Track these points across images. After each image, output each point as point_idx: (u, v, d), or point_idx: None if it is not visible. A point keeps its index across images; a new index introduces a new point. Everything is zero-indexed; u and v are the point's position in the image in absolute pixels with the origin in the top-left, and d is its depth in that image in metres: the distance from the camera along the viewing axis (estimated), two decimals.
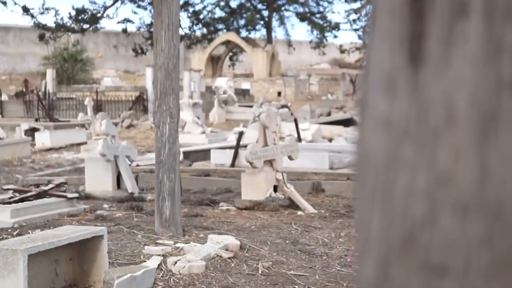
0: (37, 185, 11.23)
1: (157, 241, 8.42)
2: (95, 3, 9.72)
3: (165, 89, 8.56)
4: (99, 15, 9.57)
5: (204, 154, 16.72)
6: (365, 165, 0.82)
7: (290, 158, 11.70)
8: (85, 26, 9.72)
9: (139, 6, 13.61)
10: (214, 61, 48.28)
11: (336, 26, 46.89)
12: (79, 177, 13.72)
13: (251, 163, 10.80)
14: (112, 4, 9.26)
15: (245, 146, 12.91)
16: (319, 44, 47.95)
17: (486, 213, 0.72)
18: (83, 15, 9.70)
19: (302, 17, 49.91)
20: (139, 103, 31.64)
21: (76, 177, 14.03)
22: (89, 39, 49.53)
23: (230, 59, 50.19)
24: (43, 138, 21.13)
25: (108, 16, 9.54)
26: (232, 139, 18.40)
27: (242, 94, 37.42)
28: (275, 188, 11.07)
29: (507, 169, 0.72)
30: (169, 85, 8.56)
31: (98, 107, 29.75)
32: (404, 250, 0.76)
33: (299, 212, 10.55)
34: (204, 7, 46.73)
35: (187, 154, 16.19)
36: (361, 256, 0.83)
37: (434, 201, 0.74)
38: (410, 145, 0.76)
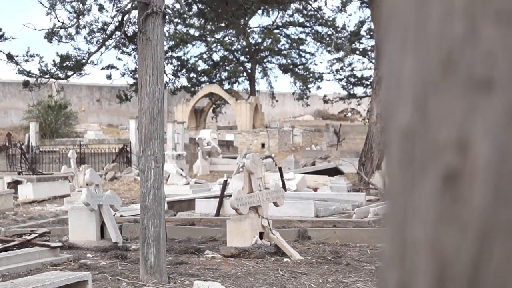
0: (20, 235, 11.09)
1: None
2: (79, 49, 9.73)
3: (150, 134, 8.52)
4: (83, 61, 9.55)
5: (188, 204, 16.63)
6: (393, 10, 0.81)
7: (275, 204, 11.62)
8: (69, 72, 9.69)
9: (123, 52, 13.64)
10: (198, 114, 48.39)
11: (319, 77, 47.20)
12: (62, 227, 13.59)
13: (236, 210, 10.72)
14: (97, 50, 9.23)
15: (229, 196, 12.83)
16: (302, 96, 48.20)
17: None
18: (67, 62, 9.68)
19: (284, 69, 50.24)
20: (123, 155, 31.56)
21: (59, 228, 13.89)
22: (72, 93, 49.58)
23: (213, 111, 50.33)
24: (26, 191, 20.96)
25: (92, 62, 9.55)
26: (216, 190, 18.32)
27: (226, 145, 37.45)
28: (261, 235, 10.97)
29: None
30: (154, 129, 8.53)
31: (81, 160, 29.64)
32: (444, 77, 0.74)
33: (286, 259, 10.45)
34: (187, 60, 46.98)
35: (171, 204, 16.09)
36: (392, 105, 0.80)
37: (474, 17, 0.73)
38: None
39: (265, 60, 51.57)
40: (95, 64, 10.17)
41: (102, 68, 12.88)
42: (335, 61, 41.89)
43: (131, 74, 27.29)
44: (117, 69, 16.03)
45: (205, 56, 49.30)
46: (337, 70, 42.15)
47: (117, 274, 9.15)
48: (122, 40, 10.15)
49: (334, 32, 39.77)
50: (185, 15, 33.70)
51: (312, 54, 49.32)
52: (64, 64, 9.85)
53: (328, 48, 42.05)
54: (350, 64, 41.47)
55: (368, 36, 38.45)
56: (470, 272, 0.72)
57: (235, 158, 27.82)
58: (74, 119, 42.34)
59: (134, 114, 30.70)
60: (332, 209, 14.68)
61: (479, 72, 0.72)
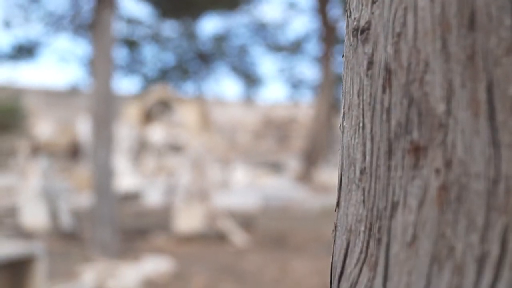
0: None
1: (93, 264, 8.56)
2: (33, 35, 9.78)
3: (102, 116, 8.80)
4: (37, 47, 9.64)
5: (137, 197, 16.87)
6: None
7: (223, 190, 11.98)
8: (21, 56, 9.76)
9: (76, 39, 13.65)
10: (147, 113, 48.47)
11: (267, 81, 47.68)
12: (13, 215, 13.71)
13: (185, 197, 11.05)
14: (50, 37, 9.34)
15: (178, 187, 13.12)
16: (249, 99, 48.62)
17: None
18: (20, 47, 9.78)
19: (233, 73, 50.59)
20: (74, 152, 31.63)
21: (10, 218, 14.00)
22: (26, 93, 49.19)
23: (163, 111, 50.33)
24: None
25: (45, 45, 9.63)
26: (165, 183, 18.58)
27: (175, 144, 37.64)
28: (209, 220, 11.32)
29: None
30: (106, 112, 8.81)
31: (33, 154, 29.61)
32: None
33: (232, 243, 10.81)
34: (138, 57, 47.02)
35: (121, 196, 16.29)
36: None
37: None
38: None
39: (215, 64, 51.83)
40: (48, 49, 10.41)
41: (55, 58, 13.05)
42: (282, 65, 42.41)
43: (84, 62, 27.43)
44: (70, 58, 16.22)
45: (155, 57, 49.37)
46: (284, 74, 42.66)
47: (69, 253, 9.40)
48: (76, 27, 10.43)
49: (282, 35, 40.23)
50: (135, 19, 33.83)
51: (260, 59, 49.80)
52: (17, 48, 10.09)
53: (276, 51, 42.53)
54: (297, 68, 42.00)
55: (316, 41, 39.01)
56: None
57: (184, 155, 28.08)
58: (27, 117, 42.11)
59: (88, 114, 30.72)
60: (278, 201, 15.11)
61: None
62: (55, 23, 10.45)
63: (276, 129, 46.38)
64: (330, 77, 23.84)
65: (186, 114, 47.09)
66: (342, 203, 0.93)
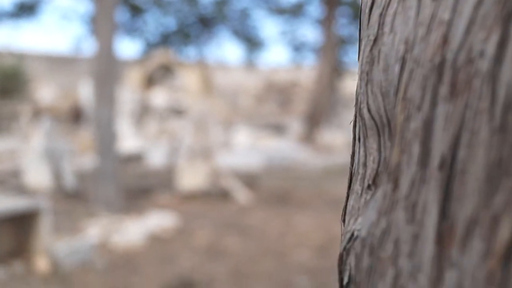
0: None
1: (97, 219, 8.62)
2: None
3: (104, 76, 8.80)
4: (37, 4, 9.61)
5: (140, 157, 16.90)
6: None
7: (226, 150, 12.00)
8: (23, 14, 9.73)
9: None
10: (149, 77, 48.42)
11: (268, 44, 47.56)
12: (16, 174, 13.76)
13: (188, 155, 11.08)
14: None
15: (181, 148, 13.16)
16: (250, 63, 48.56)
17: None
18: (21, 5, 9.74)
19: (234, 36, 50.43)
20: (76, 117, 31.64)
21: (14, 179, 14.05)
22: (28, 59, 49.10)
23: (165, 76, 50.28)
24: None
25: (47, 2, 9.61)
26: (168, 146, 18.60)
27: (177, 108, 37.66)
28: (213, 178, 11.36)
29: None
30: (108, 72, 8.80)
31: (35, 118, 29.65)
32: None
33: (236, 200, 10.86)
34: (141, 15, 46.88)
35: (123, 158, 16.33)
36: None
37: None
38: None
39: (216, 28, 51.64)
40: (50, 6, 10.37)
41: (57, 17, 13.02)
42: (284, 28, 42.29)
43: (86, 21, 27.45)
44: (72, 16, 16.18)
45: (156, 22, 49.19)
46: (286, 37, 42.55)
47: (73, 210, 9.45)
48: None
49: None
50: None
51: (262, 22, 49.63)
52: (20, 8, 10.05)
53: (278, 14, 42.36)
54: (299, 31, 41.88)
55: (318, 3, 38.84)
56: None
57: (187, 117, 28.11)
58: (28, 82, 42.07)
59: (90, 78, 30.72)
60: (281, 161, 15.15)
61: None
62: None
63: (278, 92, 46.36)
64: (333, 40, 23.81)
65: (188, 79, 47.01)
66: None
